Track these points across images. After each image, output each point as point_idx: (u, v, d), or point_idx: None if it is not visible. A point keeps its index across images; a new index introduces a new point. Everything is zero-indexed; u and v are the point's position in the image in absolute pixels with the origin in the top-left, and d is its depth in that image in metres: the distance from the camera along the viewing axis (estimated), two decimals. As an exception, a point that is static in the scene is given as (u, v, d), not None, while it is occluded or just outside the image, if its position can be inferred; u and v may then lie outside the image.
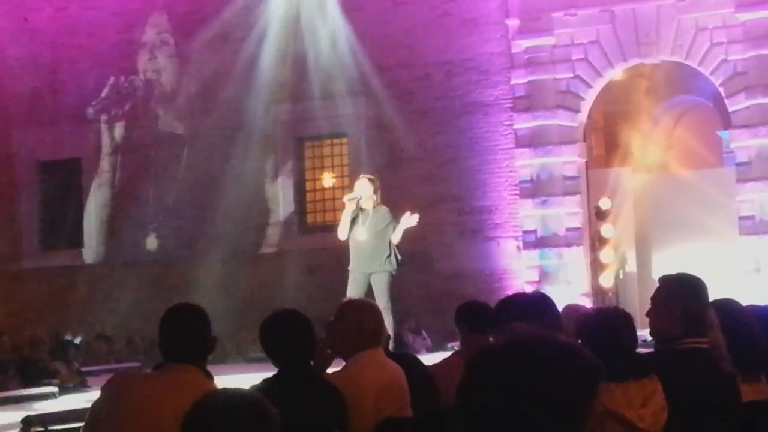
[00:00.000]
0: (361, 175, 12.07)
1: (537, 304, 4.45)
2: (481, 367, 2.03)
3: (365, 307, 5.85)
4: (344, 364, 5.59)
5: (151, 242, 21.10)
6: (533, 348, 2.01)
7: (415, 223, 11.41)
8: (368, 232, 11.27)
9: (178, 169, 20.92)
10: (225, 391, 2.83)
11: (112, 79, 21.36)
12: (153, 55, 21.22)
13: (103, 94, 21.41)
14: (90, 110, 21.48)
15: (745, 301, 5.75)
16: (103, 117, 21.52)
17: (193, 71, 20.69)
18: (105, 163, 21.49)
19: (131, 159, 21.36)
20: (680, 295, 4.94)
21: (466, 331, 6.56)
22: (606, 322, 4.88)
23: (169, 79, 21.19)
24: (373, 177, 11.80)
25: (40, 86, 21.82)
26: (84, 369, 14.20)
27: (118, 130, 21.51)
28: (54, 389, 11.89)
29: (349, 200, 11.47)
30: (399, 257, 11.34)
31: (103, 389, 4.84)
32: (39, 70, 21.80)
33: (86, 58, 21.41)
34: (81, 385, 12.67)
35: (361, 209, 11.39)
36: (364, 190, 11.44)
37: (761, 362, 5.22)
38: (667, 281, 5.04)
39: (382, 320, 5.81)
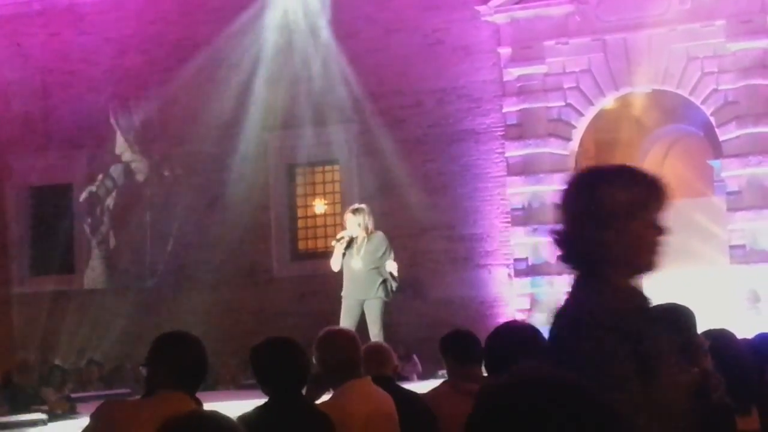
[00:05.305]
0: (347, 210, 11.72)
1: (528, 337, 4.45)
2: (491, 403, 2.01)
3: (343, 338, 5.77)
4: (332, 394, 5.56)
5: (142, 268, 21.03)
6: (545, 387, 2.00)
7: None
8: (363, 260, 11.14)
9: (170, 196, 20.88)
10: (196, 411, 2.71)
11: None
12: (144, 81, 21.20)
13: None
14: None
15: (734, 330, 5.75)
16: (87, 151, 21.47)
17: (184, 98, 20.67)
18: (96, 189, 21.45)
19: (123, 185, 21.33)
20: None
21: (452, 360, 6.51)
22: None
23: (161, 106, 21.14)
24: (360, 207, 11.55)
25: (32, 111, 21.80)
26: (73, 395, 14.11)
27: (107, 157, 21.46)
28: (43, 416, 11.78)
29: (338, 241, 11.34)
30: (394, 285, 11.23)
31: (92, 417, 4.80)
32: (31, 95, 21.78)
33: (78, 83, 21.41)
34: (70, 412, 12.56)
35: (353, 239, 11.27)
36: (351, 226, 11.30)
37: (753, 394, 5.21)
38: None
39: (359, 349, 5.73)
